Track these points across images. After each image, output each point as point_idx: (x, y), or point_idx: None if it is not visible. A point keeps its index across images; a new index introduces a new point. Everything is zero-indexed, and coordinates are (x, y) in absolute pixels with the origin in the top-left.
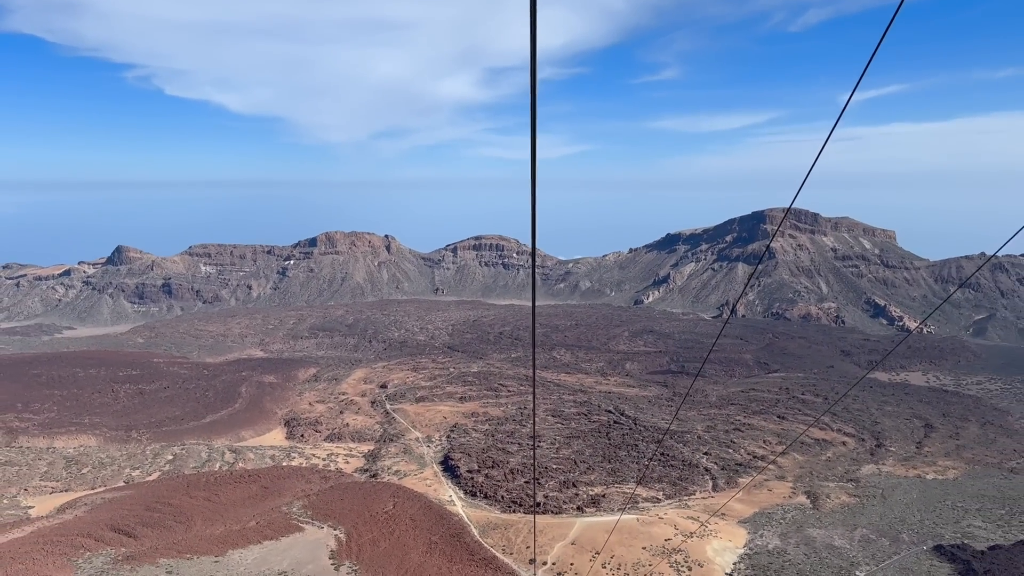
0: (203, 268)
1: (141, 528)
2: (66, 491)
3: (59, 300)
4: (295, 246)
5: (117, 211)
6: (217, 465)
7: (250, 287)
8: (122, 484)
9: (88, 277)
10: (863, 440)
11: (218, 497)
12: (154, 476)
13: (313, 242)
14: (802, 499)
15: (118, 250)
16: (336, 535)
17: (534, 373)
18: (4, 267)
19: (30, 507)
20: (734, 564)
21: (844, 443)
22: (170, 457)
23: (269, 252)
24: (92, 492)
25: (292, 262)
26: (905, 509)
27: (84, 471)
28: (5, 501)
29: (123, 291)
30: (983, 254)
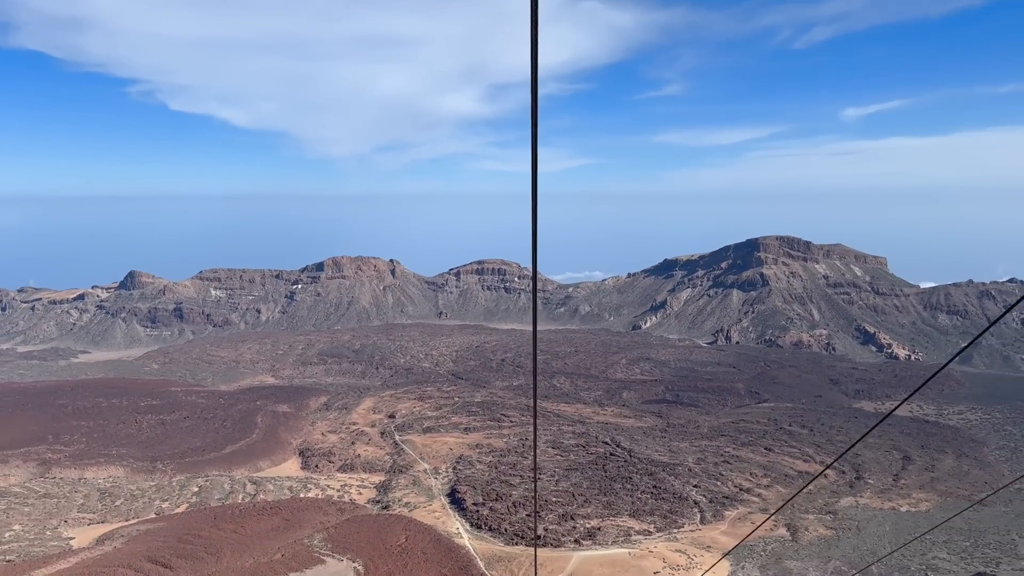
0: (213, 292)
1: (176, 560)
2: (102, 522)
3: (73, 324)
4: (302, 270)
5: (123, 225)
6: (240, 496)
7: (259, 311)
8: (153, 516)
9: (102, 301)
10: (844, 472)
11: (244, 529)
12: (182, 508)
13: (320, 266)
14: (782, 531)
15: (131, 275)
16: (355, 567)
17: (535, 425)
18: (19, 291)
19: (71, 538)
20: None
21: (826, 475)
22: (195, 489)
23: (277, 276)
24: (127, 524)
25: (300, 286)
26: (877, 541)
27: (117, 503)
28: (48, 533)
29: (136, 315)
30: (971, 281)
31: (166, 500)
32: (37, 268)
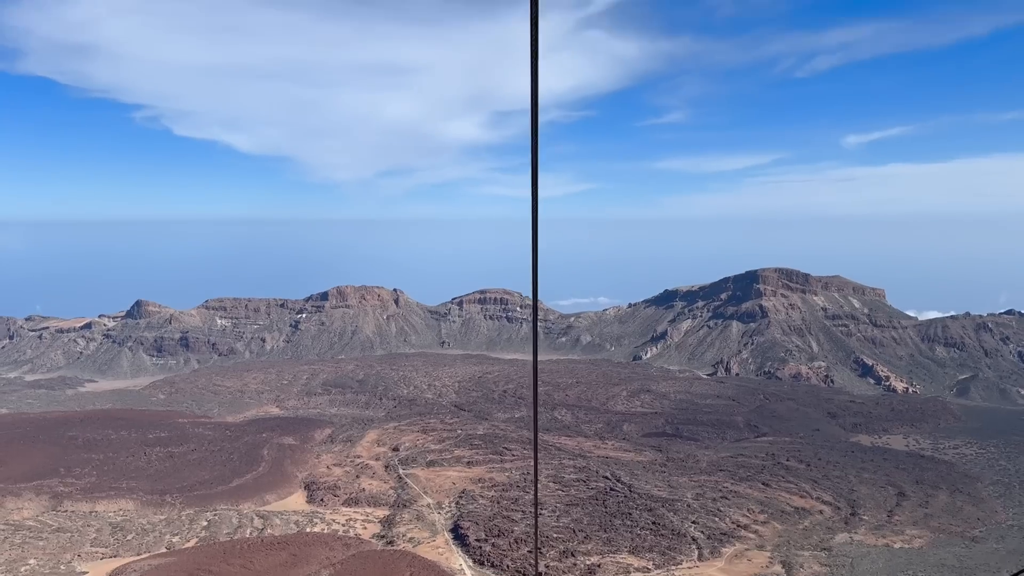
0: (219, 321)
1: None
2: (114, 556)
3: (80, 353)
4: (307, 300)
5: (128, 248)
6: (248, 531)
7: (264, 340)
8: (164, 550)
9: (108, 330)
10: (839, 508)
11: (253, 565)
12: (192, 542)
13: (324, 296)
14: (778, 568)
15: (137, 304)
16: None
17: (536, 465)
18: (27, 319)
19: (85, 572)
20: None
21: (821, 511)
22: (204, 523)
23: (282, 305)
24: (138, 558)
25: (304, 315)
26: None
27: (129, 537)
28: (63, 567)
29: (142, 344)
30: (968, 314)
31: (176, 534)
32: (42, 293)
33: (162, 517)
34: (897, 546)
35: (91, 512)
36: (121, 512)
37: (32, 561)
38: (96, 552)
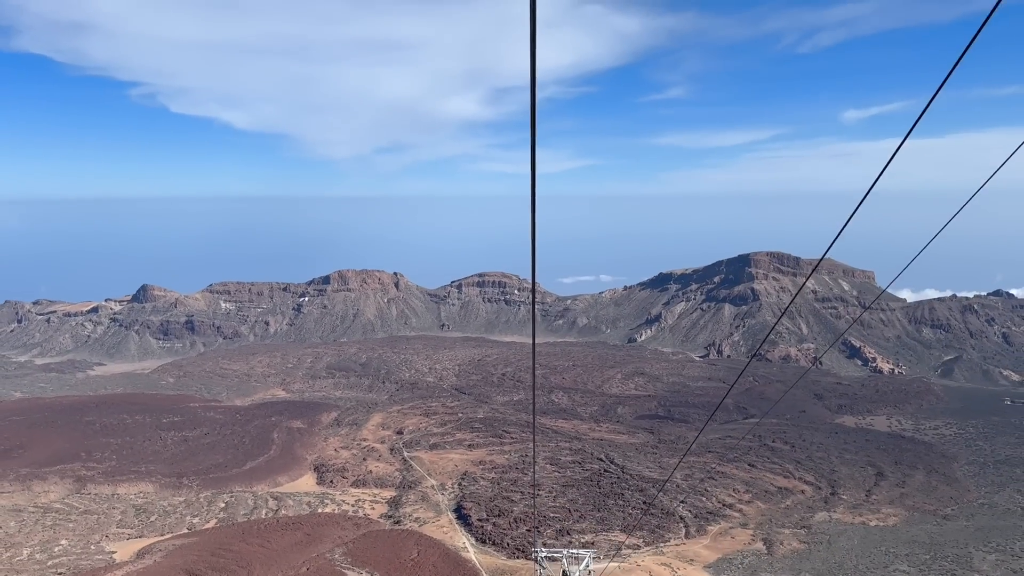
0: (223, 305)
1: (211, 572)
2: (140, 537)
3: (88, 336)
4: (309, 283)
5: (127, 227)
6: (263, 512)
7: (267, 323)
8: (186, 531)
9: (115, 314)
10: (820, 488)
11: (270, 544)
12: (212, 523)
13: (326, 279)
14: (759, 545)
15: (143, 288)
16: None
17: (535, 454)
18: (35, 303)
19: (113, 552)
20: None
21: (803, 491)
22: (222, 505)
23: (285, 289)
24: (162, 539)
25: (307, 299)
26: (845, 555)
27: (152, 518)
28: (92, 547)
29: (148, 328)
30: (954, 296)
31: (196, 516)
32: (44, 273)
33: (181, 499)
34: (873, 524)
35: (113, 495)
36: (142, 495)
37: (64, 542)
38: (123, 533)
